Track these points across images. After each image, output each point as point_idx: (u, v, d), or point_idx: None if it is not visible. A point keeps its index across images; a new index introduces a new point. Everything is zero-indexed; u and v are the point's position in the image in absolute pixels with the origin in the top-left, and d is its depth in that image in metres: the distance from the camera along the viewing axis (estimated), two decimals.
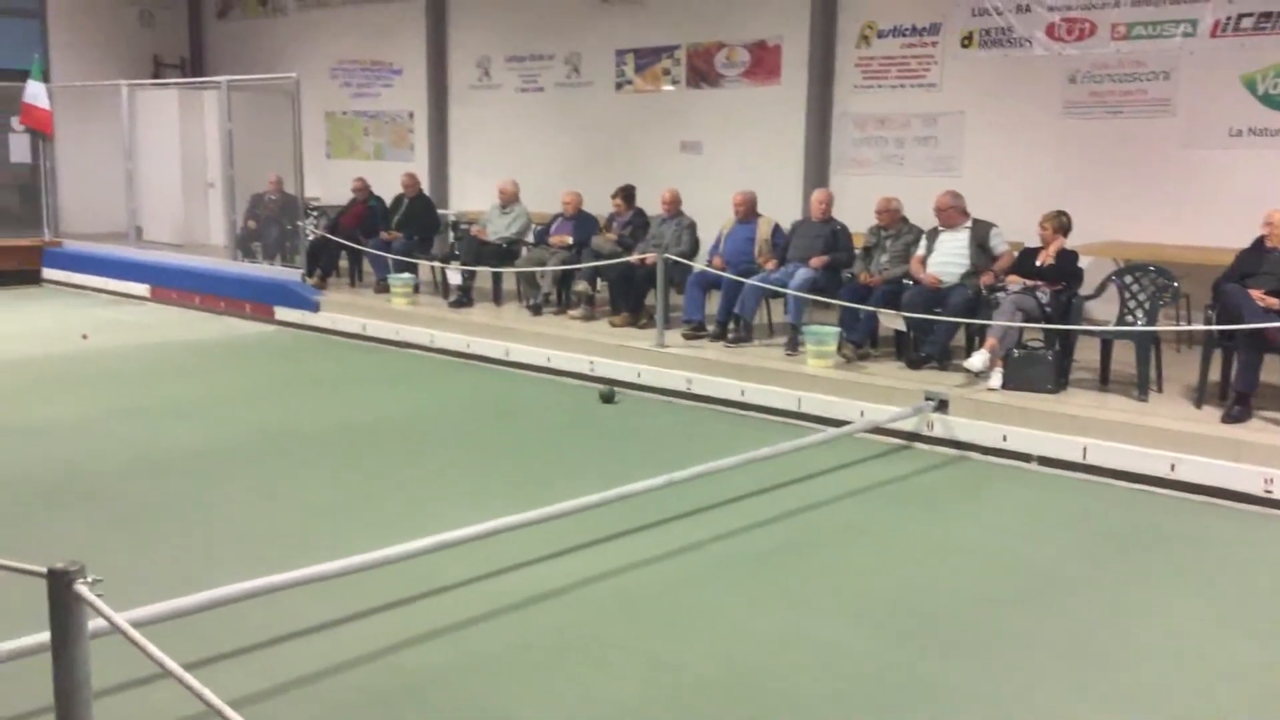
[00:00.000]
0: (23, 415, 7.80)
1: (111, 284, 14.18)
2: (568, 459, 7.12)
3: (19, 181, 16.48)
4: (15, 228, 15.85)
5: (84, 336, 10.92)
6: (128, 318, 12.55)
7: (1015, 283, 7.80)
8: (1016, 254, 8.20)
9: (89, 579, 2.23)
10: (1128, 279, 7.77)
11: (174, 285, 13.40)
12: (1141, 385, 7.29)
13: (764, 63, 12.22)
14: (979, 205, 8.60)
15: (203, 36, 18.59)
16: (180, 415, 7.96)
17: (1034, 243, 8.14)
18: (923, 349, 8.20)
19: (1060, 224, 7.95)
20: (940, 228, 8.43)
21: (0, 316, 12.38)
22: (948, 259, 8.27)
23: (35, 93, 14.96)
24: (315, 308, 11.66)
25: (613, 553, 5.24)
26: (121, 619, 2.15)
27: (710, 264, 9.42)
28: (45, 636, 3.25)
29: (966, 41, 10.76)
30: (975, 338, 8.11)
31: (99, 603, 2.20)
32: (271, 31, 17.36)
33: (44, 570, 2.28)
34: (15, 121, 15.70)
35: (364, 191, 12.75)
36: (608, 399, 8.60)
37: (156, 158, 15.48)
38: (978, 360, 7.45)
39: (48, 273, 15.16)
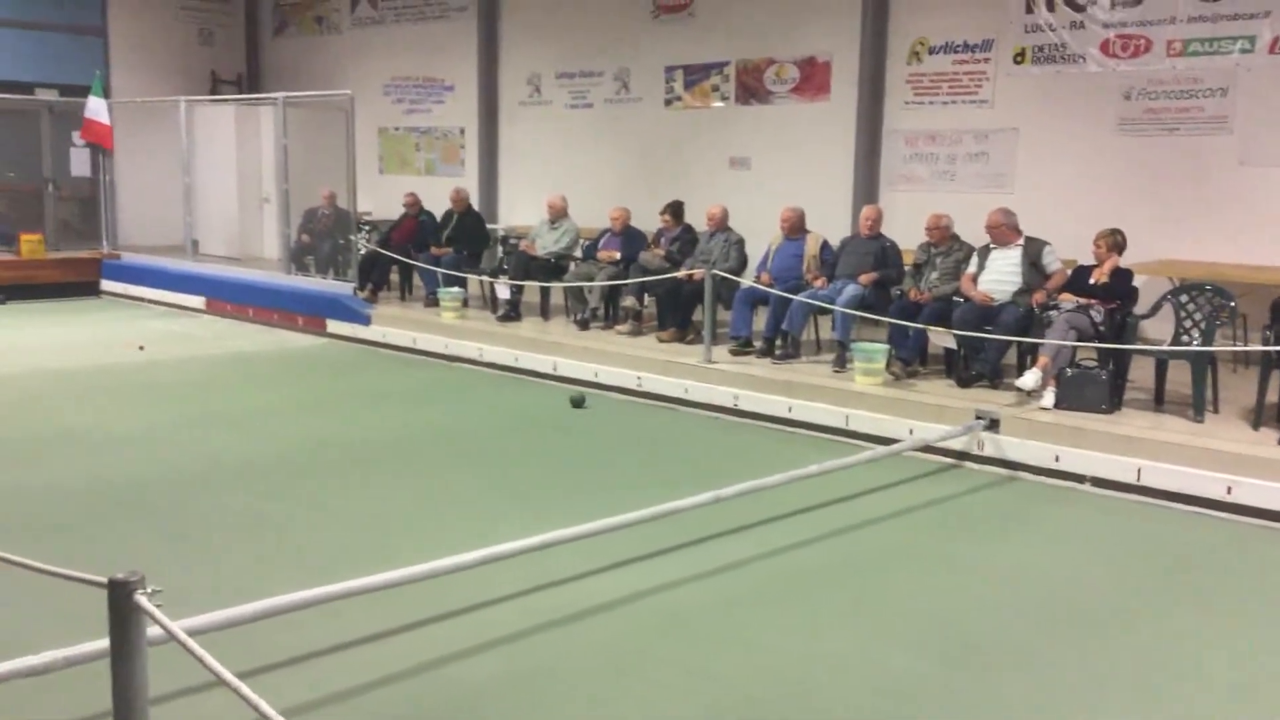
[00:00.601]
0: (82, 426, 7.95)
1: (168, 296, 14.43)
2: (614, 474, 7.13)
3: (79, 195, 16.83)
4: (75, 240, 16.19)
5: (140, 348, 11.12)
6: (183, 330, 12.77)
7: (1069, 301, 7.72)
8: (1070, 272, 8.12)
9: (148, 589, 2.28)
10: (1183, 298, 7.66)
11: (229, 298, 13.62)
12: (1197, 406, 7.18)
13: (813, 79, 12.21)
14: (1031, 223, 8.53)
15: (259, 54, 18.91)
16: (235, 427, 8.08)
17: (1087, 260, 8.06)
18: (973, 367, 8.14)
19: (1115, 242, 7.86)
20: (992, 245, 8.36)
21: (60, 328, 12.65)
22: (999, 276, 8.20)
23: (96, 108, 15.30)
24: (367, 321, 11.79)
25: (660, 569, 5.24)
26: (178, 628, 2.19)
27: (758, 280, 9.41)
28: (104, 644, 3.32)
29: (1019, 58, 10.68)
30: (1027, 356, 8.02)
31: (157, 613, 2.24)
32: (326, 49, 17.63)
33: (105, 580, 2.33)
34: (76, 136, 16.07)
35: (415, 206, 12.89)
36: (578, 404, 8.77)
37: (213, 172, 15.74)
38: (1030, 379, 7.38)
39: (106, 285, 15.46)
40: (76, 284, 15.21)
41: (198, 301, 14.01)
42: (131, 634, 2.29)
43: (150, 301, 14.61)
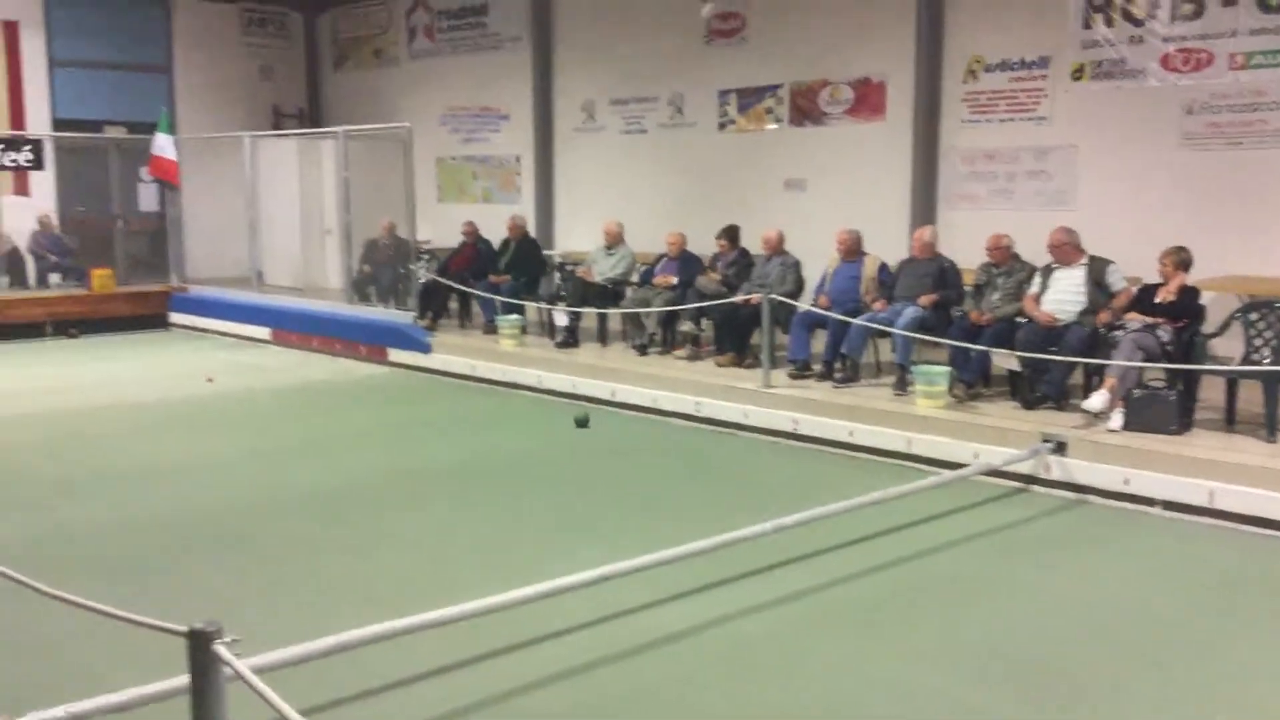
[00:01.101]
0: (152, 458, 8.13)
1: (234, 327, 14.72)
2: (675, 502, 7.13)
3: (148, 230, 17.26)
4: (144, 274, 16.58)
5: (209, 380, 11.34)
6: (250, 360, 13.01)
7: (1135, 320, 7.60)
8: (1135, 291, 7.99)
9: (227, 639, 2.34)
10: (1252, 315, 7.51)
11: (293, 328, 13.87)
12: (1270, 426, 7.03)
13: (868, 99, 12.18)
14: (1094, 241, 8.41)
15: (319, 87, 19.28)
16: (301, 457, 8.22)
17: (1152, 279, 7.93)
18: (1038, 389, 8.03)
19: (1181, 260, 7.74)
20: (1054, 264, 8.26)
21: (130, 361, 12.95)
22: (1063, 297, 8.09)
23: (163, 145, 15.68)
24: (427, 349, 11.93)
25: (722, 599, 5.23)
26: (254, 677, 2.24)
27: (815, 303, 9.38)
28: (180, 681, 3.40)
29: (1078, 74, 10.57)
30: (1094, 377, 7.90)
31: (236, 662, 2.30)
32: (385, 81, 17.93)
33: (185, 630, 2.39)
34: (144, 172, 16.49)
35: (473, 235, 13.03)
36: (582, 424, 8.91)
37: (277, 205, 16.03)
38: (1097, 401, 7.27)
39: (175, 317, 15.82)
40: (146, 317, 15.57)
41: (264, 332, 14.27)
42: (211, 681, 2.35)
43: (218, 333, 14.92)
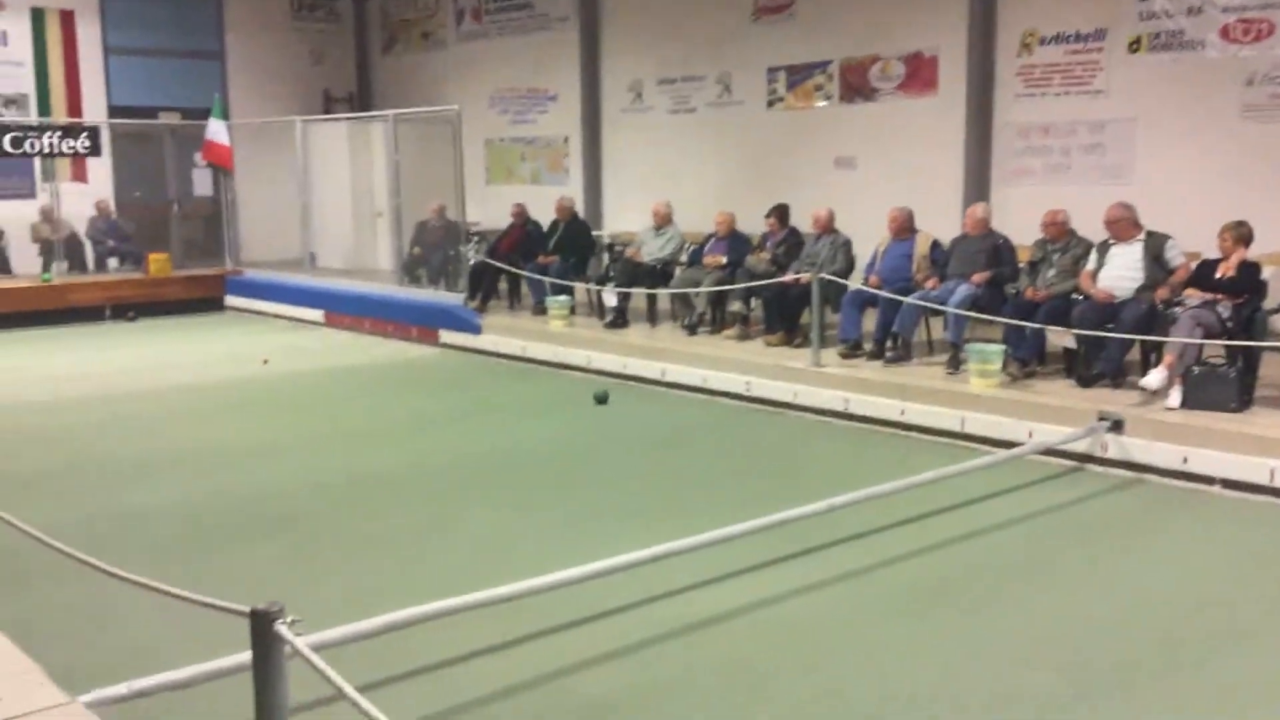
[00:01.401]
0: (208, 440, 8.27)
1: (288, 310, 14.91)
2: (727, 481, 7.12)
3: (202, 214, 17.51)
4: (200, 258, 16.85)
5: (264, 361, 11.50)
6: (304, 342, 13.17)
7: (1194, 296, 7.46)
8: (1194, 266, 7.83)
9: (288, 619, 2.38)
10: None
11: (346, 310, 14.01)
12: None
13: (920, 74, 12.02)
14: (1152, 216, 8.25)
15: (369, 71, 19.40)
16: (355, 440, 8.31)
17: (1212, 254, 7.76)
18: (1095, 366, 7.91)
19: (1241, 234, 7.57)
20: (1111, 240, 8.12)
21: (187, 344, 13.16)
22: (1120, 273, 7.96)
23: (216, 130, 15.88)
24: (477, 330, 12.00)
25: (775, 579, 5.22)
26: (315, 656, 2.28)
27: (866, 282, 9.31)
28: (240, 658, 3.46)
29: (1135, 46, 10.35)
30: (1151, 354, 7.77)
31: (297, 642, 2.33)
32: (433, 64, 17.99)
33: (248, 610, 2.44)
34: (198, 158, 16.72)
35: (521, 216, 13.06)
36: (601, 400, 9.09)
37: (328, 188, 16.19)
38: (1155, 378, 7.15)
39: (230, 300, 16.05)
40: (202, 300, 15.82)
41: (317, 315, 14.43)
42: (272, 661, 2.40)
43: (272, 316, 15.11)
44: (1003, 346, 8.17)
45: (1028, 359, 8.24)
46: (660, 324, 11.25)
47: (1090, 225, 8.45)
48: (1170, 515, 6.33)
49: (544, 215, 12.92)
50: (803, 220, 10.51)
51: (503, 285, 12.94)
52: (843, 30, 12.61)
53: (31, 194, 16.07)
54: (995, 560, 5.56)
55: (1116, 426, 7.09)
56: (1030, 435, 7.36)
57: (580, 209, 13.92)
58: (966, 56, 11.43)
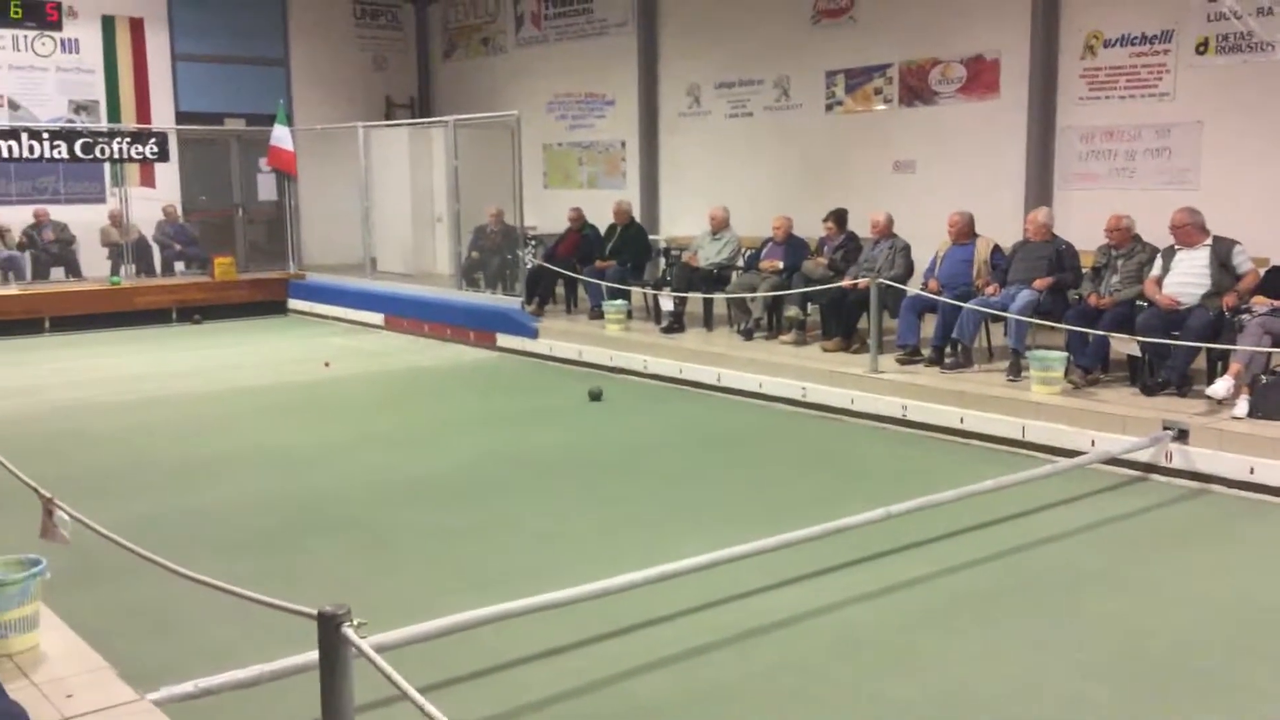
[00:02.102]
0: (271, 440, 8.41)
1: (349, 313, 15.12)
2: (782, 487, 7.10)
3: (266, 218, 17.83)
4: (263, 261, 17.15)
5: (326, 365, 11.67)
6: (364, 345, 13.35)
7: (1262, 304, 7.31)
8: (1263, 273, 7.68)
9: (355, 622, 2.43)
10: None
11: (405, 314, 14.17)
12: None
13: (981, 77, 11.90)
14: (1219, 221, 8.10)
15: (430, 77, 19.63)
16: (414, 441, 8.41)
17: None
18: (1159, 374, 7.78)
19: None
20: (1177, 246, 7.98)
21: (251, 345, 13.39)
22: (1186, 279, 7.82)
23: (280, 136, 16.13)
24: (534, 334, 12.08)
25: (831, 586, 5.20)
26: (383, 661, 2.32)
27: (925, 287, 9.23)
28: (304, 658, 3.53)
29: (1202, 48, 10.16)
30: (1218, 363, 7.63)
31: (365, 646, 2.38)
32: (493, 70, 18.15)
33: (315, 612, 2.49)
34: (263, 163, 17.01)
35: (578, 220, 13.13)
36: (595, 397, 9.26)
37: (388, 193, 16.40)
38: (1221, 387, 7.02)
39: (293, 303, 16.31)
40: (265, 303, 16.09)
41: (377, 318, 14.62)
42: (340, 662, 2.45)
43: (333, 319, 15.33)
44: (1065, 353, 8.07)
45: (1091, 366, 8.13)
46: (716, 329, 11.25)
47: (1154, 230, 8.32)
48: (1236, 526, 6.21)
49: (601, 219, 12.97)
50: (861, 225, 10.46)
51: (559, 289, 13.02)
52: (903, 33, 12.52)
53: (101, 199, 16.46)
54: (1057, 570, 5.49)
55: (1181, 436, 6.97)
56: (1093, 444, 7.26)
57: (637, 213, 13.96)
58: (1029, 59, 11.30)
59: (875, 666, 4.40)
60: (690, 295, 11.22)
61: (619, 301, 11.56)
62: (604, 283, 11.95)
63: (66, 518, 4.24)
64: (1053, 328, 8.29)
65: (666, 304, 11.27)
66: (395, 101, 19.42)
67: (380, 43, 19.31)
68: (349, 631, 2.40)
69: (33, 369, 11.62)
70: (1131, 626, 4.76)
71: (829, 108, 13.39)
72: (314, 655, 2.73)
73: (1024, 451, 7.61)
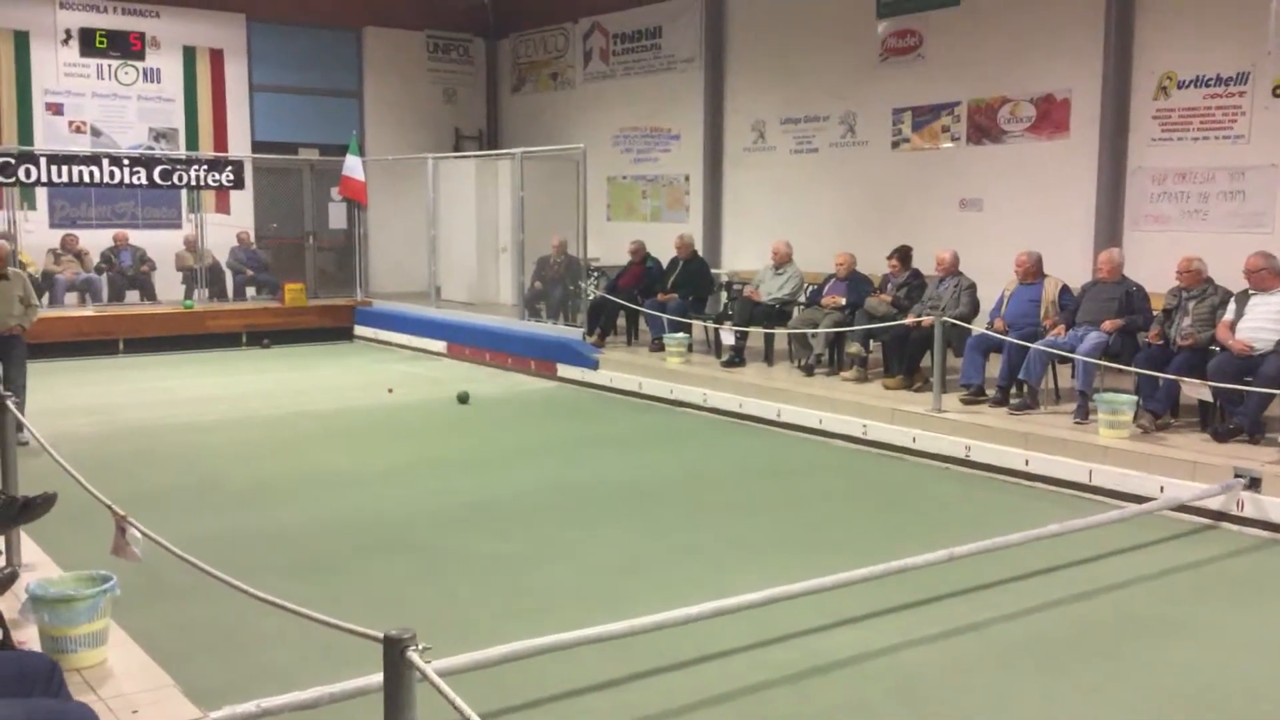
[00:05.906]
0: (336, 464, 8.53)
1: (413, 341, 15.31)
2: (842, 526, 7.05)
3: (336, 246, 18.16)
4: (332, 289, 17.46)
5: (389, 391, 11.82)
6: (426, 373, 13.50)
7: None
8: None
9: (419, 646, 2.46)
10: None
11: (467, 343, 14.32)
12: None
13: (1051, 116, 11.80)
14: None
15: (499, 110, 19.91)
16: (474, 469, 8.48)
17: None
18: (1231, 420, 7.61)
19: None
20: (1251, 290, 7.83)
21: (318, 370, 13.62)
22: (1260, 324, 7.66)
23: (352, 166, 16.43)
24: (595, 365, 12.14)
25: (890, 628, 5.14)
26: (447, 687, 2.35)
27: (991, 327, 9.14)
28: (366, 681, 3.57)
29: (1278, 91, 9.99)
30: None
31: (429, 670, 2.41)
32: (560, 103, 18.37)
33: (380, 636, 2.53)
34: (335, 192, 17.34)
35: (641, 253, 13.19)
36: (463, 400, 9.78)
37: (454, 223, 16.62)
38: None
39: (359, 330, 16.55)
40: (333, 329, 16.35)
41: (440, 346, 14.79)
42: (404, 686, 2.48)
43: (398, 346, 15.54)
44: (1134, 397, 7.93)
45: (1160, 411, 7.97)
46: (777, 364, 11.22)
47: (1226, 274, 8.17)
48: None
49: (663, 252, 13.03)
50: (926, 262, 10.39)
51: (621, 321, 13.07)
52: (971, 71, 12.47)
53: (178, 224, 16.90)
54: (1123, 618, 5.38)
55: (1254, 484, 6.80)
56: (1162, 490, 7.11)
57: (699, 247, 14.00)
58: (1100, 99, 11.19)
59: (934, 711, 4.33)
60: (751, 330, 11.21)
61: (680, 335, 11.58)
62: (665, 315, 11.98)
63: (139, 535, 4.34)
64: (1121, 370, 8.16)
65: (728, 338, 11.27)
66: (464, 133, 19.71)
67: (451, 76, 19.63)
68: (414, 656, 2.43)
69: (107, 389, 11.92)
70: (1197, 676, 4.65)
71: (895, 145, 13.36)
72: (377, 678, 2.77)
73: (1090, 496, 7.48)
